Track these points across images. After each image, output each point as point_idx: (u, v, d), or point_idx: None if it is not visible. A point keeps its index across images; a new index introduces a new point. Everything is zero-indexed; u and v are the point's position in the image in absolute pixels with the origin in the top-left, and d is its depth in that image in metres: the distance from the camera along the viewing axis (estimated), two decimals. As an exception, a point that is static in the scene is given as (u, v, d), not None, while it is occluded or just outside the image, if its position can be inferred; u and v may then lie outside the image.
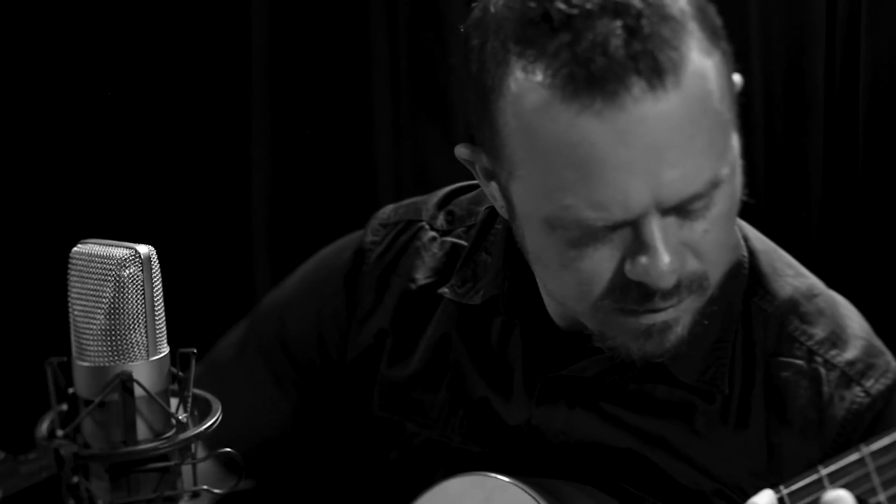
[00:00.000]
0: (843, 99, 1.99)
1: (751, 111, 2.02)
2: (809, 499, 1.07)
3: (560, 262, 1.14)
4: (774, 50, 2.02)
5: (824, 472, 1.07)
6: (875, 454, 1.05)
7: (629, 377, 1.26)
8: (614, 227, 1.09)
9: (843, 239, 2.02)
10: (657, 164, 1.06)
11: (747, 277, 1.28)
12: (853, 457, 1.06)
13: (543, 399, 1.29)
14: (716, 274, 1.17)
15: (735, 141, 1.14)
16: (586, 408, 1.29)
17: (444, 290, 1.35)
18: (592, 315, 1.17)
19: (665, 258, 1.09)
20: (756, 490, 1.24)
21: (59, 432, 0.98)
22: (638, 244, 1.09)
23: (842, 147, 2.00)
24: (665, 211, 1.09)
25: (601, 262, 1.11)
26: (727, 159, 1.11)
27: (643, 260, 1.09)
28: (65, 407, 1.01)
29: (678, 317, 1.16)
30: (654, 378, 1.26)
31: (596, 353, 1.26)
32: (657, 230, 1.08)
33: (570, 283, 1.15)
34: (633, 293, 1.12)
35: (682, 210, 1.10)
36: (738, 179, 1.15)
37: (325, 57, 2.23)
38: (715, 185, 1.10)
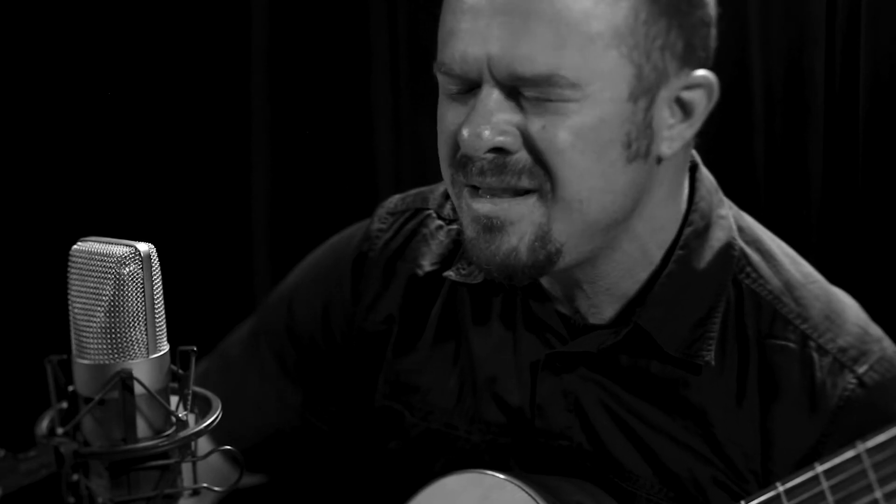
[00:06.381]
0: (843, 98, 1.99)
1: (751, 111, 2.02)
2: (806, 495, 1.08)
3: (439, 127, 1.25)
4: (774, 48, 2.02)
5: (820, 468, 1.07)
6: (871, 451, 1.05)
7: (623, 349, 1.27)
8: (466, 93, 1.20)
9: (843, 238, 2.02)
10: (497, 30, 1.15)
11: (738, 259, 1.28)
12: (849, 453, 1.06)
13: (546, 376, 1.30)
14: (568, 190, 1.17)
15: (618, 71, 1.16)
16: (586, 382, 1.29)
17: (450, 272, 1.36)
18: (454, 196, 1.25)
19: (478, 119, 1.17)
20: (752, 475, 1.24)
21: (59, 430, 0.98)
22: (471, 110, 1.18)
23: (842, 146, 2.00)
24: (500, 85, 1.17)
25: (452, 124, 1.21)
26: (578, 70, 1.15)
27: (466, 123, 1.18)
28: (65, 405, 1.01)
29: (508, 219, 1.19)
30: (646, 351, 1.26)
31: (594, 330, 1.28)
32: (484, 97, 1.17)
33: (441, 148, 1.24)
34: (460, 161, 1.20)
35: (514, 93, 1.17)
36: (615, 119, 1.17)
37: (325, 56, 2.24)
38: (550, 80, 1.14)
